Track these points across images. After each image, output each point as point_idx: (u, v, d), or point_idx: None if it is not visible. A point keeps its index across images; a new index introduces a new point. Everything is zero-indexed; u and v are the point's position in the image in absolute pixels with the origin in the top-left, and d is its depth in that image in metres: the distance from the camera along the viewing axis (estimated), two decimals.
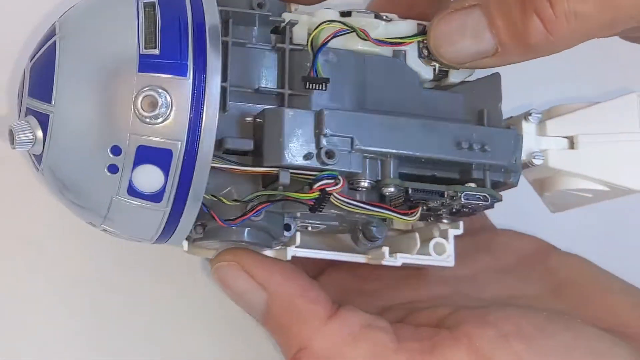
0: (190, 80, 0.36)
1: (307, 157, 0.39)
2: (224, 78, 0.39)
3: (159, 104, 0.36)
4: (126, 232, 0.40)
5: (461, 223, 0.46)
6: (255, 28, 0.41)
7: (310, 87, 0.40)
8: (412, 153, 0.41)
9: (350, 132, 0.40)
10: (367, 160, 0.41)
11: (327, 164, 0.39)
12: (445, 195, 0.42)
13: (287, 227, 0.43)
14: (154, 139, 0.36)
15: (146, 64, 0.36)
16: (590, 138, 0.45)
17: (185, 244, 0.42)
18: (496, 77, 0.44)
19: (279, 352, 0.45)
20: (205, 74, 0.36)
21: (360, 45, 0.43)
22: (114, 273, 0.50)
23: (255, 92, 0.41)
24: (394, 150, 0.41)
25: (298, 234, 0.43)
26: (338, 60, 0.42)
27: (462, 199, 0.42)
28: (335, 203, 0.40)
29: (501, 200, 0.43)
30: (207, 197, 0.39)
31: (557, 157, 0.45)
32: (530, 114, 0.45)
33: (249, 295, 0.42)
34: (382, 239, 0.44)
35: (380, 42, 0.43)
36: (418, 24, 0.44)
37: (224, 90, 0.39)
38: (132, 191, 0.36)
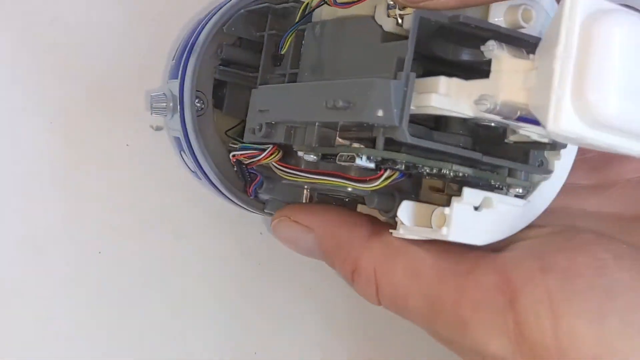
0: None
1: (252, 132, 0.44)
2: None
3: None
4: None
5: (465, 190, 0.39)
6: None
7: (276, 65, 0.45)
8: (292, 119, 0.41)
9: (268, 106, 0.43)
10: (295, 130, 0.42)
11: (260, 138, 0.44)
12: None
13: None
14: None
15: None
16: None
17: None
18: None
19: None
20: None
21: (341, 12, 0.43)
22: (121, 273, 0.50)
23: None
24: (286, 118, 0.42)
25: None
26: (321, 32, 0.43)
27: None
28: (278, 173, 0.44)
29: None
30: None
31: None
32: None
33: (302, 240, 0.45)
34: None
35: (340, 4, 0.42)
36: None
37: None
38: None
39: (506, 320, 0.37)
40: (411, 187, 0.43)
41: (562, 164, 0.42)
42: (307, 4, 0.44)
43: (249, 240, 0.51)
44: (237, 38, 0.48)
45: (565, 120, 0.31)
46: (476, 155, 0.38)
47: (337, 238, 0.44)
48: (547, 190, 0.42)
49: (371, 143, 0.39)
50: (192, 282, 0.51)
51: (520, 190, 0.40)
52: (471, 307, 0.38)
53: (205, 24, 0.47)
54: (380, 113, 0.36)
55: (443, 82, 0.36)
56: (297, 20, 0.44)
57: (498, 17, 0.39)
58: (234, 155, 0.45)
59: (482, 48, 0.36)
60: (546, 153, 0.41)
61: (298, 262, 0.50)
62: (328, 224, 0.44)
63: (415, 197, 0.43)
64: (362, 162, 0.38)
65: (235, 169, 0.46)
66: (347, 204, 0.46)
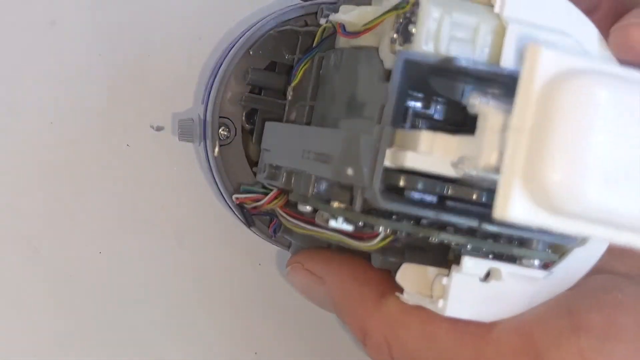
0: None
1: (260, 172, 0.41)
2: None
3: None
4: None
5: (465, 259, 0.34)
6: None
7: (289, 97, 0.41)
8: (281, 163, 0.37)
9: (270, 145, 0.39)
10: (295, 175, 0.38)
11: (264, 179, 0.40)
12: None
13: None
14: None
15: None
16: None
17: None
18: None
19: None
20: None
21: (354, 41, 0.38)
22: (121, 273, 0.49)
23: None
24: (279, 162, 0.38)
25: None
26: (335, 62, 0.39)
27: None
28: (282, 220, 0.40)
29: None
30: None
31: None
32: None
33: (314, 291, 0.42)
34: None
35: (348, 34, 0.37)
36: None
37: None
38: None
39: None
40: (432, 244, 0.37)
41: None
42: (325, 28, 0.39)
43: (249, 240, 0.49)
44: (270, 61, 0.44)
45: (515, 208, 0.25)
46: (472, 223, 0.33)
47: (347, 295, 0.40)
48: (583, 258, 0.35)
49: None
50: (192, 282, 0.50)
51: (537, 262, 0.34)
52: None
53: (233, 46, 0.43)
54: (350, 172, 0.32)
55: (424, 138, 0.31)
56: (315, 44, 0.39)
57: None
58: (237, 198, 0.41)
59: (465, 101, 0.30)
60: None
61: None
62: (340, 278, 0.41)
63: (435, 256, 0.37)
64: (338, 224, 0.33)
65: (236, 210, 0.43)
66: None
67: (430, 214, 0.32)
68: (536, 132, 0.25)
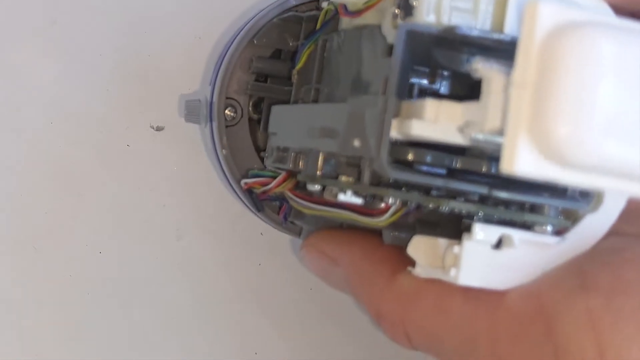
0: None
1: (267, 156, 0.41)
2: None
3: None
4: None
5: (476, 226, 0.34)
6: None
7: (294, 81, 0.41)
8: (288, 144, 0.37)
9: (276, 128, 0.39)
10: (302, 156, 0.38)
11: (272, 163, 0.40)
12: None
13: None
14: None
15: None
16: None
17: None
18: None
19: None
20: None
21: (357, 20, 0.38)
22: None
23: None
24: (286, 143, 0.38)
25: None
26: (338, 43, 0.39)
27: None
28: (291, 203, 0.40)
29: None
30: None
31: None
32: None
33: (330, 274, 0.42)
34: None
35: (350, 13, 0.37)
36: None
37: None
38: None
39: (544, 354, 0.32)
40: (444, 217, 0.37)
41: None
42: (327, 11, 0.39)
43: (249, 240, 0.50)
44: (275, 49, 0.44)
45: (522, 161, 0.25)
46: (482, 190, 0.33)
47: (360, 275, 0.40)
48: (596, 224, 0.35)
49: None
50: (192, 282, 0.50)
51: (549, 228, 0.34)
52: (507, 341, 0.33)
53: (237, 35, 0.43)
54: (357, 143, 0.32)
55: (430, 106, 0.31)
56: (318, 27, 0.40)
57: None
58: (246, 183, 0.41)
59: (468, 68, 0.30)
60: None
61: (299, 262, 0.49)
62: (352, 258, 0.40)
63: (447, 230, 0.37)
64: (347, 198, 0.34)
65: (245, 196, 0.43)
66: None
67: (439, 182, 0.32)
68: (539, 86, 0.25)
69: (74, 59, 0.49)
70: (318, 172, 0.36)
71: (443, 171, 0.34)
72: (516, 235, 0.33)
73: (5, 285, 0.48)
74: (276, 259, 0.51)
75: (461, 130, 0.30)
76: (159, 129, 0.50)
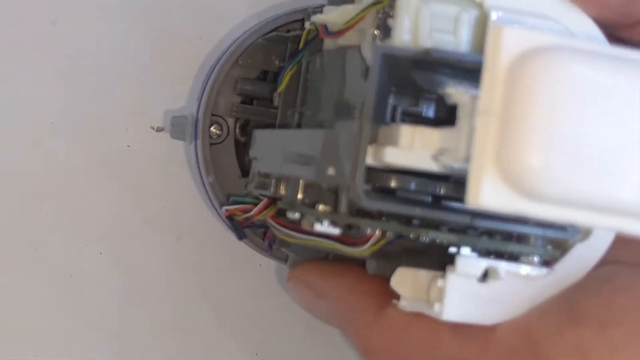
0: None
1: (250, 181, 0.40)
2: None
3: None
4: None
5: (460, 258, 0.32)
6: None
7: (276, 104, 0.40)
8: (266, 170, 0.36)
9: (257, 153, 0.38)
10: (283, 182, 0.37)
11: (254, 189, 0.39)
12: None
13: None
14: None
15: None
16: None
17: None
18: None
19: None
20: None
21: (339, 41, 0.37)
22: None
23: None
24: (265, 169, 0.36)
25: None
26: (320, 64, 0.38)
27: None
28: (274, 231, 0.39)
29: None
30: None
31: None
32: None
33: (316, 307, 0.41)
34: None
35: (330, 34, 0.36)
36: None
37: None
38: None
39: None
40: (430, 246, 0.36)
41: None
42: (309, 31, 0.38)
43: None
44: (262, 70, 0.43)
45: (488, 194, 0.24)
46: (464, 220, 0.31)
47: (347, 309, 0.38)
48: (586, 254, 0.33)
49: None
50: (192, 283, 0.50)
51: (537, 259, 0.32)
52: None
53: (223, 55, 0.42)
54: (331, 171, 0.31)
55: (405, 132, 0.30)
56: (300, 47, 0.38)
57: None
58: (227, 210, 0.40)
59: (442, 92, 0.29)
60: None
61: None
62: (339, 291, 0.39)
63: (433, 260, 0.35)
64: (324, 228, 0.32)
65: (227, 223, 0.41)
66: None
67: (417, 211, 0.31)
68: (505, 114, 0.24)
69: (74, 59, 0.49)
70: (299, 198, 0.34)
71: (427, 198, 0.32)
72: (502, 267, 0.32)
73: (5, 285, 0.48)
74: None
75: (435, 158, 0.28)
76: (159, 129, 0.49)
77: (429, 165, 0.29)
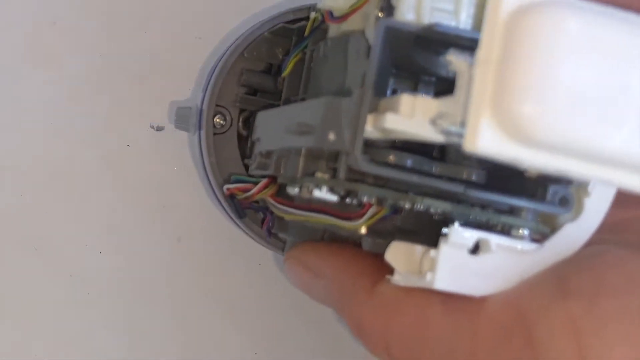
0: None
1: (251, 163, 0.41)
2: None
3: None
4: None
5: (453, 229, 0.33)
6: None
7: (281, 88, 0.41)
8: (268, 147, 0.37)
9: (259, 134, 0.39)
10: (284, 159, 0.38)
11: (255, 169, 0.40)
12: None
13: None
14: None
15: None
16: None
17: None
18: None
19: None
20: None
21: (343, 27, 0.38)
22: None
23: None
24: (267, 147, 0.38)
25: None
26: (324, 51, 0.39)
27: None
28: (272, 209, 0.40)
29: None
30: None
31: None
32: None
33: (313, 287, 0.41)
34: None
35: (335, 19, 0.38)
36: None
37: None
38: None
39: None
40: (423, 226, 0.37)
41: (596, 203, 0.34)
42: (315, 19, 0.40)
43: (249, 240, 0.48)
44: (267, 64, 0.44)
45: (485, 138, 0.25)
46: (457, 188, 0.32)
47: (341, 288, 0.39)
48: (575, 233, 0.34)
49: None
50: (192, 282, 0.50)
51: (526, 232, 0.34)
52: (487, 353, 0.32)
53: (229, 48, 0.44)
54: (331, 137, 0.32)
55: (405, 100, 0.31)
56: (306, 35, 0.40)
57: None
58: (228, 189, 0.41)
59: (443, 60, 0.30)
60: (573, 189, 0.34)
61: None
62: (334, 270, 0.40)
63: (426, 237, 0.36)
64: (322, 194, 0.33)
65: (227, 202, 0.42)
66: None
67: (414, 178, 0.32)
68: (503, 63, 0.25)
69: (73, 59, 0.49)
70: (298, 175, 0.36)
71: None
72: (493, 240, 0.33)
73: (6, 285, 0.48)
74: (276, 259, 0.51)
75: (433, 122, 0.30)
76: (159, 129, 0.50)
77: (427, 130, 0.30)
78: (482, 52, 0.26)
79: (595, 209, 0.34)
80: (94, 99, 0.49)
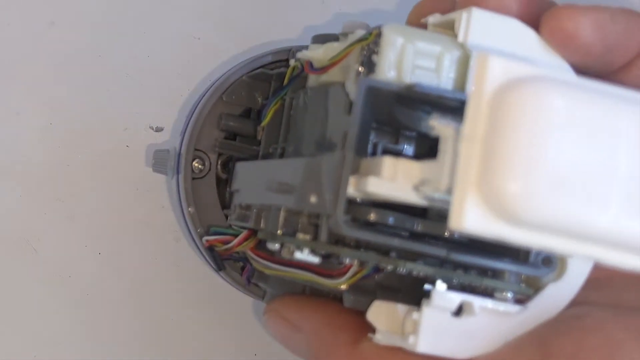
0: None
1: (230, 214, 0.40)
2: None
3: None
4: None
5: (436, 292, 0.33)
6: None
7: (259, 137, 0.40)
8: (248, 201, 0.36)
9: (239, 185, 0.39)
10: (264, 214, 0.37)
11: (234, 221, 0.39)
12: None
13: None
14: None
15: None
16: None
17: None
18: None
19: None
20: None
21: (323, 77, 0.38)
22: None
23: None
24: (246, 200, 0.37)
25: None
26: (304, 101, 0.38)
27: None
28: (253, 263, 0.39)
29: None
30: None
31: None
32: None
33: (292, 340, 0.40)
34: None
35: (315, 70, 0.37)
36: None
37: None
38: None
39: None
40: (405, 283, 0.36)
41: (579, 263, 0.34)
42: (294, 67, 0.39)
43: None
44: (246, 108, 0.44)
45: (471, 217, 0.24)
46: (440, 252, 0.32)
47: (322, 343, 0.38)
48: (559, 293, 0.34)
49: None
50: (191, 283, 0.50)
51: (510, 295, 0.33)
52: None
53: (207, 91, 0.43)
54: (313, 199, 0.31)
55: (387, 163, 0.30)
56: (285, 83, 0.39)
57: None
58: (207, 241, 0.40)
59: (425, 125, 0.30)
60: None
61: None
62: (314, 325, 0.39)
63: (408, 295, 0.36)
64: (304, 256, 0.33)
65: (206, 254, 0.42)
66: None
67: (396, 242, 0.31)
68: (488, 141, 0.25)
69: (72, 59, 0.49)
70: (279, 231, 0.35)
71: (405, 233, 0.33)
72: (477, 302, 0.32)
73: (5, 285, 0.48)
74: None
75: (417, 188, 0.29)
76: (158, 129, 0.49)
77: (410, 195, 0.30)
78: (467, 128, 0.25)
79: (578, 269, 0.34)
80: (93, 99, 0.49)
